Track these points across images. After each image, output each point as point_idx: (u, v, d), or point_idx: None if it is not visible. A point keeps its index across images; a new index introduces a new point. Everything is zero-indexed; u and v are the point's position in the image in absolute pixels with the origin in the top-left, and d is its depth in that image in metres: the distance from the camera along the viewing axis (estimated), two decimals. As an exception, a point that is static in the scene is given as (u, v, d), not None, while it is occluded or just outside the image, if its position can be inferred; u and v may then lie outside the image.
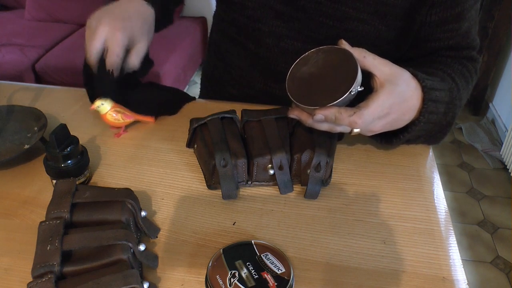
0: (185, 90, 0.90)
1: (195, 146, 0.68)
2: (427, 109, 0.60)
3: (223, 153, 0.60)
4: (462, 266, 0.52)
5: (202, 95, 1.00)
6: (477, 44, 0.73)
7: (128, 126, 0.75)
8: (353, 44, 0.57)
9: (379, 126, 0.59)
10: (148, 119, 0.76)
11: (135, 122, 0.76)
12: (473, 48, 0.73)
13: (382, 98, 0.56)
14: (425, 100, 0.60)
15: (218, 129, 0.64)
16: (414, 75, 0.60)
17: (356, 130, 0.57)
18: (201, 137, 0.65)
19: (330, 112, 0.54)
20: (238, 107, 0.71)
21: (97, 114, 0.78)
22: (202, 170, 0.65)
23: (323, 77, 0.56)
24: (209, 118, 0.66)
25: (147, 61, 0.73)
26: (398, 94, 0.57)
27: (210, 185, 0.62)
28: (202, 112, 0.70)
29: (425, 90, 0.60)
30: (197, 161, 0.68)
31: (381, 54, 0.58)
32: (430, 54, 0.72)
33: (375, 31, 0.70)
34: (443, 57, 0.71)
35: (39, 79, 2.34)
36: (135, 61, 0.68)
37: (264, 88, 0.82)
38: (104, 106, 0.69)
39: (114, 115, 0.71)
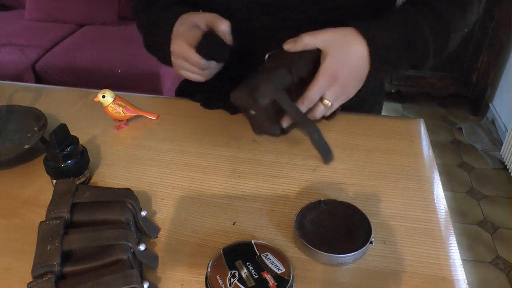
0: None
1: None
2: (373, 43, 0.63)
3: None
4: (462, 266, 0.52)
5: None
6: None
7: (129, 125, 0.75)
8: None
9: (347, 88, 0.64)
10: (151, 115, 0.77)
11: (137, 121, 0.76)
12: None
13: (323, 67, 0.61)
14: (368, 40, 0.63)
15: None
16: (350, 24, 0.64)
17: (326, 102, 0.63)
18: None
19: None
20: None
21: (97, 114, 0.78)
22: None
23: (334, 229, 0.55)
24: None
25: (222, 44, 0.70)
26: (338, 54, 0.62)
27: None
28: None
29: (363, 32, 0.63)
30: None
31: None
32: None
33: None
34: None
35: (39, 79, 2.34)
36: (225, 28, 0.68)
37: None
38: (106, 98, 0.71)
39: (116, 108, 0.72)
